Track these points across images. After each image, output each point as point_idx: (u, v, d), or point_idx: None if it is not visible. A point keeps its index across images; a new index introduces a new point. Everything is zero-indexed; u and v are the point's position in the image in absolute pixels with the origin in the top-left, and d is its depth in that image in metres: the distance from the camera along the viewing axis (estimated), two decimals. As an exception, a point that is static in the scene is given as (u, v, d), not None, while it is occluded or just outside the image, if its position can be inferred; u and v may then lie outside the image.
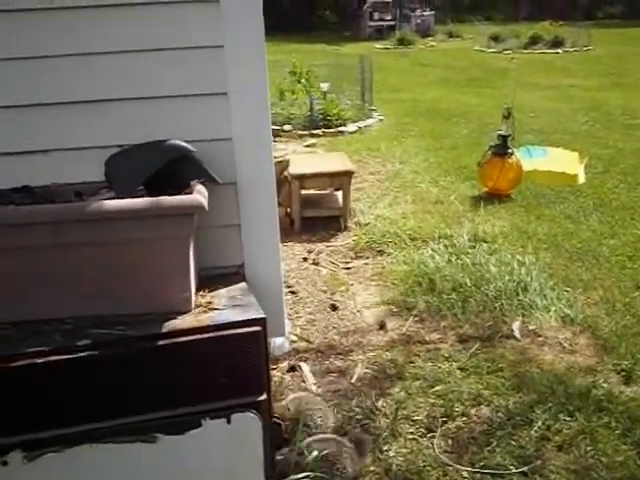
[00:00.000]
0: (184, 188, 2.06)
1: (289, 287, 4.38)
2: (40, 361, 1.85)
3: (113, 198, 1.99)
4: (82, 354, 1.88)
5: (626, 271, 4.49)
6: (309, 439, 2.59)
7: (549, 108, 10.56)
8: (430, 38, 24.20)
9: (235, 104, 2.28)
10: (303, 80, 10.56)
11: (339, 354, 3.57)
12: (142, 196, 2.00)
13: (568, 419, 2.93)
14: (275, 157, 4.85)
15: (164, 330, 1.96)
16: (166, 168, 2.04)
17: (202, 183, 2.12)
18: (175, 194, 2.00)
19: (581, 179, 6.51)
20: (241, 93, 2.28)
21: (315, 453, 2.48)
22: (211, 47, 2.21)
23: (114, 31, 2.18)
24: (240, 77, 2.25)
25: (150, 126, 2.23)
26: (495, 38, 21.28)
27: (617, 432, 2.84)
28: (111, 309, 2.02)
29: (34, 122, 2.22)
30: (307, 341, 3.69)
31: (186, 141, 2.13)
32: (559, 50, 19.39)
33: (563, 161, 6.79)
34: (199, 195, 2.00)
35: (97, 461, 1.95)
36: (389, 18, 25.47)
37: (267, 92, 2.33)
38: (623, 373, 3.28)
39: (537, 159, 6.59)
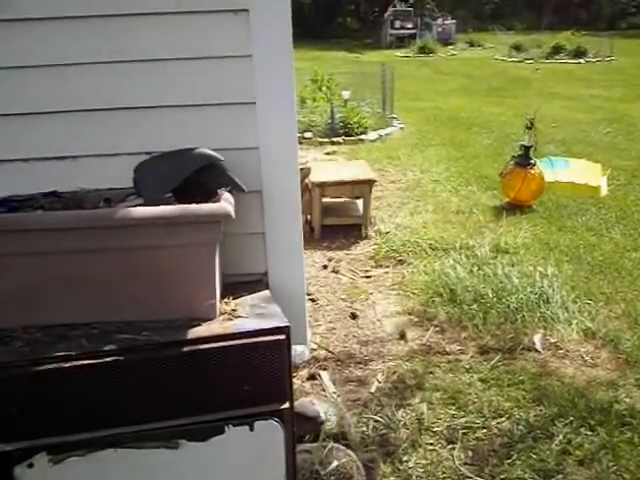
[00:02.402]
0: (212, 196, 2.07)
1: (309, 295, 4.38)
2: (66, 365, 1.87)
3: (141, 205, 2.01)
4: (108, 359, 1.89)
5: (649, 285, 4.45)
6: (328, 449, 2.59)
7: (571, 119, 10.51)
8: (451, 47, 24.22)
9: (262, 113, 2.29)
10: (324, 88, 10.60)
11: (359, 363, 3.57)
12: (170, 204, 2.01)
13: (589, 433, 2.91)
14: (297, 165, 4.88)
15: (189, 336, 1.97)
16: (194, 176, 2.05)
17: (229, 191, 2.13)
18: (203, 202, 2.01)
19: (603, 191, 6.47)
20: (268, 102, 2.29)
21: (335, 463, 2.48)
22: (240, 57, 2.22)
23: (143, 39, 2.20)
24: (268, 86, 2.27)
25: (178, 134, 2.25)
26: (517, 47, 21.25)
27: (640, 448, 2.82)
28: (137, 315, 2.03)
29: (63, 128, 2.25)
30: (327, 350, 3.69)
31: (213, 149, 2.14)
32: (581, 60, 19.31)
33: (585, 172, 6.74)
34: (226, 203, 2.01)
35: (120, 465, 1.96)
36: (410, 26, 25.50)
37: (294, 101, 2.34)
38: (646, 388, 3.25)
39: (559, 170, 6.55)
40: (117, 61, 2.21)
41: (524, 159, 6.12)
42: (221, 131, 2.29)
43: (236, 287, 2.31)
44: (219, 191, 2.11)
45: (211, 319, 2.07)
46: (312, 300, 4.34)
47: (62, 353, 1.88)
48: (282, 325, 2.04)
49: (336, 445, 2.65)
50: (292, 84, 2.31)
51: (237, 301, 2.22)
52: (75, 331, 1.99)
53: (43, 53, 2.17)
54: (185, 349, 1.95)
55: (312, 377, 3.40)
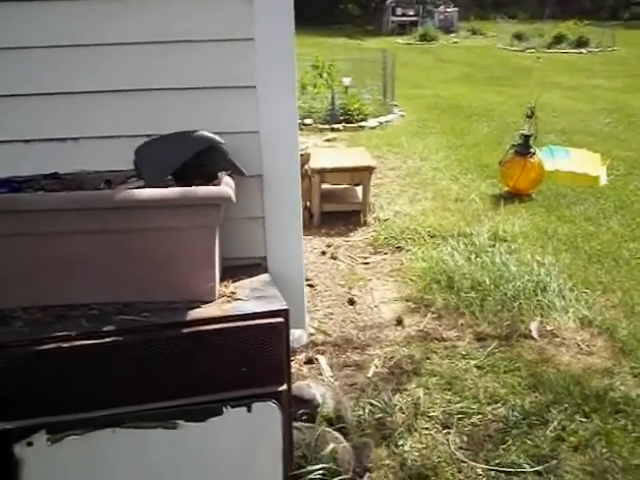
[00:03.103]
0: (212, 179, 2.09)
1: (307, 280, 4.39)
2: (66, 345, 1.88)
3: (142, 187, 2.02)
4: (107, 339, 1.91)
5: (646, 274, 4.47)
6: (324, 432, 2.61)
7: (572, 108, 10.50)
8: (453, 35, 24.12)
9: (263, 97, 2.30)
10: (325, 74, 10.57)
11: (356, 348, 3.59)
12: (170, 186, 2.02)
13: (584, 420, 2.94)
14: (297, 150, 4.88)
15: (188, 318, 1.98)
16: (194, 159, 2.06)
17: (229, 175, 2.14)
18: (203, 185, 2.02)
19: (603, 181, 6.48)
20: (269, 86, 2.29)
21: (331, 446, 2.50)
22: (242, 40, 2.23)
23: (145, 22, 2.20)
24: (269, 70, 2.27)
25: (179, 117, 2.25)
26: (519, 36, 21.15)
27: (634, 435, 2.84)
28: (136, 296, 2.04)
29: (65, 110, 2.25)
30: (325, 334, 3.71)
31: (214, 133, 2.15)
32: (583, 50, 19.25)
33: (585, 162, 6.75)
34: (227, 186, 2.02)
35: (119, 445, 1.98)
36: (412, 13, 25.40)
37: (295, 86, 2.35)
38: (641, 376, 3.28)
39: (559, 160, 6.56)
40: (118, 43, 2.21)
41: (524, 148, 6.12)
42: (222, 114, 2.29)
43: (236, 271, 2.33)
44: (219, 174, 2.12)
45: (210, 301, 2.09)
46: (310, 286, 4.36)
47: (61, 333, 1.90)
48: (280, 308, 2.06)
49: (330, 429, 2.66)
50: (293, 68, 2.32)
51: (236, 284, 2.24)
52: (75, 312, 2.01)
53: (43, 34, 2.17)
54: (184, 330, 1.97)
55: (310, 361, 3.42)
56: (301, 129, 8.88)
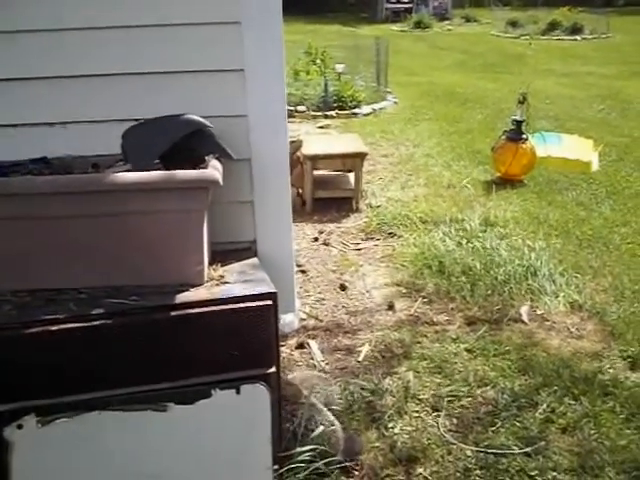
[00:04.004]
0: (199, 163, 2.09)
1: (299, 266, 4.41)
2: (54, 328, 1.89)
3: (129, 171, 2.02)
4: (95, 322, 1.91)
5: (636, 259, 4.50)
6: (313, 415, 2.62)
7: (565, 95, 10.50)
8: (447, 22, 24.01)
9: (251, 81, 2.29)
10: (318, 61, 10.54)
11: (347, 333, 3.61)
12: (158, 169, 2.02)
13: (573, 403, 2.96)
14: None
15: (176, 301, 1.99)
16: (182, 142, 2.06)
17: (217, 158, 2.14)
18: (190, 168, 2.02)
19: (595, 166, 6.49)
20: (257, 70, 2.29)
21: (321, 428, 2.52)
22: (228, 23, 2.22)
23: (131, 5, 2.19)
24: (257, 54, 2.27)
25: (167, 101, 2.25)
26: (513, 23, 21.08)
27: (621, 417, 2.87)
28: (125, 280, 2.05)
29: (53, 94, 2.25)
30: (316, 319, 3.73)
31: (202, 116, 2.15)
32: (577, 37, 19.19)
33: (577, 148, 6.76)
34: (214, 170, 2.02)
35: (108, 428, 1.99)
36: (406, 0, 25.23)
37: (283, 70, 2.35)
38: (629, 359, 3.30)
39: (551, 145, 6.56)
40: (106, 27, 2.20)
41: (516, 134, 6.12)
42: (209, 98, 2.29)
43: (225, 254, 2.34)
44: (207, 158, 2.12)
45: (199, 285, 2.10)
46: (302, 271, 4.37)
47: (50, 317, 1.91)
48: (269, 291, 2.07)
49: (320, 411, 2.68)
50: (282, 52, 2.31)
51: (225, 268, 2.25)
52: (64, 295, 2.02)
53: (34, 17, 2.16)
54: (173, 313, 1.98)
55: (301, 346, 3.43)
56: (294, 116, 8.87)
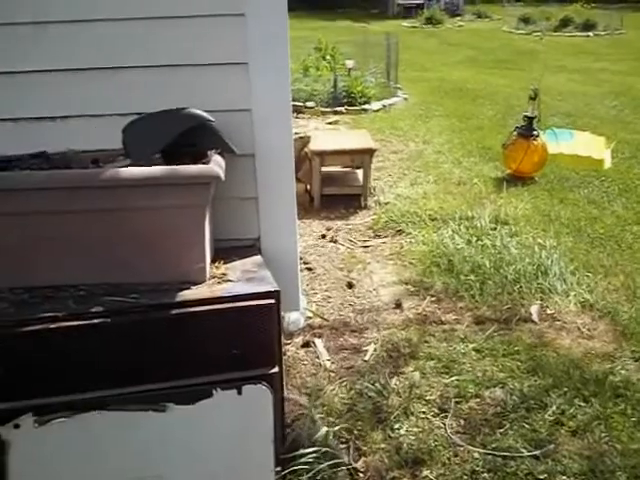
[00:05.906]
0: (201, 158, 2.05)
1: (306, 264, 4.37)
2: (53, 326, 1.86)
3: (129, 166, 1.98)
4: (94, 321, 1.88)
5: (649, 258, 4.42)
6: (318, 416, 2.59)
7: (577, 91, 10.39)
8: (459, 18, 23.86)
9: (255, 75, 2.25)
10: (328, 57, 10.48)
11: (354, 331, 3.56)
12: (159, 164, 1.98)
13: (583, 404, 2.90)
14: (296, 133, 4.83)
15: (177, 299, 1.96)
16: (183, 137, 2.02)
17: (219, 153, 2.10)
18: (192, 163, 1.98)
19: (607, 164, 6.39)
20: (262, 64, 2.24)
21: (325, 429, 2.48)
22: (232, 15, 2.18)
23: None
24: (261, 47, 2.22)
25: (168, 94, 2.21)
26: (525, 20, 20.90)
27: (633, 419, 2.80)
28: (125, 277, 2.01)
29: (54, 88, 2.21)
30: (322, 317, 3.68)
31: (205, 111, 2.10)
32: (590, 33, 19.01)
33: (589, 145, 6.66)
34: (215, 165, 1.98)
35: (107, 428, 1.96)
36: (418, -4, 25.11)
37: (288, 64, 2.30)
38: (642, 360, 3.24)
39: (563, 142, 6.47)
40: (108, 19, 2.16)
41: (527, 130, 6.04)
42: (213, 92, 2.25)
43: (228, 252, 2.30)
44: (209, 153, 2.08)
45: (200, 282, 2.06)
46: (309, 269, 4.32)
47: (48, 314, 1.87)
48: (271, 289, 2.03)
49: (322, 415, 2.64)
50: (286, 45, 2.27)
51: (228, 265, 2.21)
52: (62, 293, 1.98)
53: (28, 9, 2.12)
54: (173, 312, 1.94)
55: (307, 344, 3.39)
56: (303, 112, 8.82)
